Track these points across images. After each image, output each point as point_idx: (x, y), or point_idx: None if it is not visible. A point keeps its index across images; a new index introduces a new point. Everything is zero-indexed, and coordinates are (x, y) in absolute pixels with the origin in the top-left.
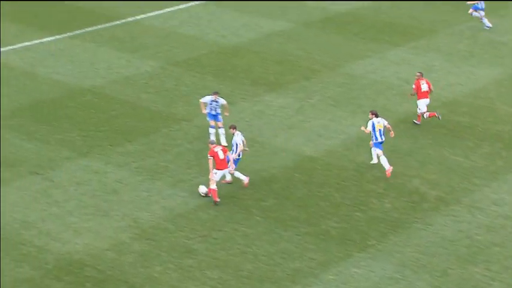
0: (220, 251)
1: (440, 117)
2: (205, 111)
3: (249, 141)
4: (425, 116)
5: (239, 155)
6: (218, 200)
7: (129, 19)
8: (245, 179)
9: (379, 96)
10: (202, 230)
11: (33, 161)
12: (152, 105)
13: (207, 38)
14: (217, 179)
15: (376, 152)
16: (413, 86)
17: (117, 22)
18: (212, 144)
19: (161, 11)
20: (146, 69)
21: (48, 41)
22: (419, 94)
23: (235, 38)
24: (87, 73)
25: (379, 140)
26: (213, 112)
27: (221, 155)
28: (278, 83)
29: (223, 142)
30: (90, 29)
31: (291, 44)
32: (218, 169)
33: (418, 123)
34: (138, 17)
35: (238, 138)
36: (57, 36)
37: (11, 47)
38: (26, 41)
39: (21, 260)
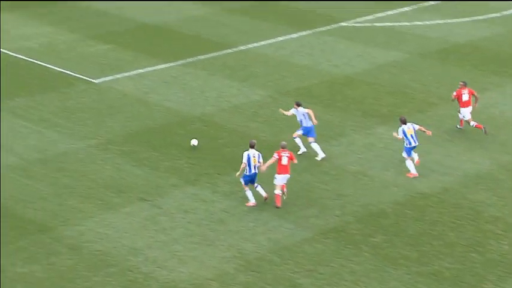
0: (326, 286)
1: (486, 131)
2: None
3: (359, 174)
4: (471, 124)
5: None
6: (280, 205)
7: (241, 47)
8: (264, 194)
9: (499, 132)
10: (308, 264)
11: (142, 187)
12: (261, 135)
13: (319, 67)
14: (277, 183)
15: (405, 155)
16: (454, 93)
17: (229, 50)
18: (283, 147)
19: (273, 40)
20: (256, 98)
21: (162, 69)
22: (461, 103)
23: (348, 68)
24: (198, 101)
25: (413, 144)
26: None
27: (284, 161)
28: (391, 115)
29: (321, 154)
30: (202, 57)
31: (405, 75)
32: (279, 173)
33: (461, 127)
34: (249, 46)
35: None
36: (171, 64)
37: (126, 74)
38: (140, 68)
39: (128, 286)
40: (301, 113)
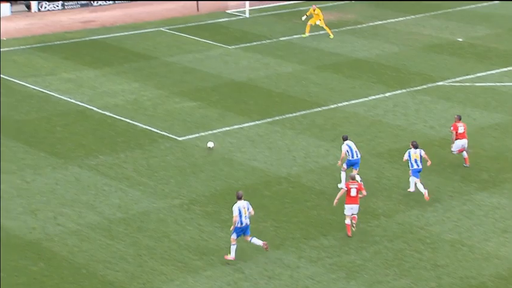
0: None
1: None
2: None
3: (456, 243)
4: (454, 151)
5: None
6: (350, 235)
7: (331, 106)
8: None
9: None
10: None
11: (225, 250)
12: None
13: (413, 128)
14: (347, 213)
15: (413, 180)
16: (451, 128)
17: (318, 109)
18: (352, 179)
19: (365, 99)
20: None
21: (248, 126)
22: (457, 135)
23: (445, 129)
24: (284, 161)
25: (415, 167)
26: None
27: (353, 192)
28: (492, 181)
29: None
30: (290, 115)
31: (508, 139)
32: (347, 203)
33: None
34: (340, 104)
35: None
36: (257, 122)
37: (211, 131)
38: (226, 126)
39: None
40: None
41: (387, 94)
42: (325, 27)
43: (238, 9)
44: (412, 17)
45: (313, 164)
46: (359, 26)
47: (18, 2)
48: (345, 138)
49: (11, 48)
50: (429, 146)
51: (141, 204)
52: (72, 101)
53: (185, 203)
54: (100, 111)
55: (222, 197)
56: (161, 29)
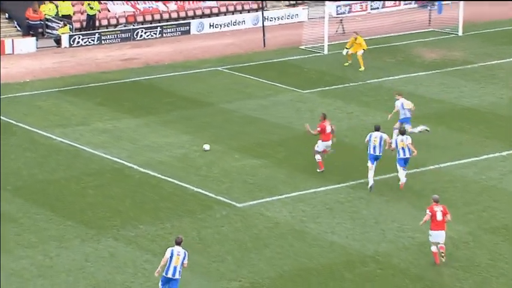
0: None
1: None
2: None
3: None
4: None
5: None
6: (438, 263)
7: (431, 167)
8: None
9: None
10: None
11: None
12: (456, 285)
13: None
14: (433, 240)
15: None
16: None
17: (415, 170)
18: (435, 201)
19: (475, 158)
20: (451, 234)
21: (325, 191)
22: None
23: None
24: (371, 235)
25: (402, 155)
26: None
27: (439, 216)
28: None
29: None
30: (378, 177)
31: None
32: (432, 230)
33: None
34: (443, 165)
35: None
36: (337, 185)
37: (278, 197)
38: (297, 190)
39: None
40: None
41: (504, 153)
42: (358, 57)
43: (314, 45)
44: None
45: (408, 240)
46: (468, 66)
47: (46, 36)
48: (376, 129)
49: (36, 92)
50: None
51: (190, 287)
52: (107, 157)
53: (245, 286)
54: (141, 169)
55: (292, 279)
56: (218, 68)
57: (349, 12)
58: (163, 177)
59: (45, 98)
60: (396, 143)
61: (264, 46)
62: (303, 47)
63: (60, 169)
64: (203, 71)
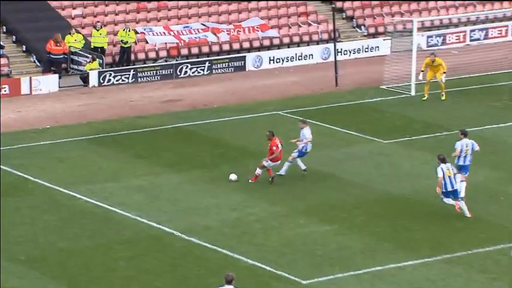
0: None
1: None
2: None
3: None
4: None
5: None
6: None
7: None
8: None
9: None
10: None
11: None
12: None
13: None
14: None
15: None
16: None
17: None
18: None
19: None
20: None
21: (412, 266)
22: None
23: None
24: None
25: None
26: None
27: None
28: None
29: None
30: (479, 250)
31: None
32: None
33: None
34: None
35: None
36: (427, 259)
37: (352, 272)
38: (376, 265)
39: None
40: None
41: None
42: (441, 83)
43: (398, 84)
44: None
45: None
46: None
47: (70, 72)
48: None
49: (57, 141)
50: None
51: None
52: (142, 221)
53: None
54: (184, 236)
55: None
56: (279, 112)
57: (442, 44)
58: (210, 246)
59: (69, 149)
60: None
61: (337, 85)
62: (384, 87)
63: (85, 236)
64: (261, 116)
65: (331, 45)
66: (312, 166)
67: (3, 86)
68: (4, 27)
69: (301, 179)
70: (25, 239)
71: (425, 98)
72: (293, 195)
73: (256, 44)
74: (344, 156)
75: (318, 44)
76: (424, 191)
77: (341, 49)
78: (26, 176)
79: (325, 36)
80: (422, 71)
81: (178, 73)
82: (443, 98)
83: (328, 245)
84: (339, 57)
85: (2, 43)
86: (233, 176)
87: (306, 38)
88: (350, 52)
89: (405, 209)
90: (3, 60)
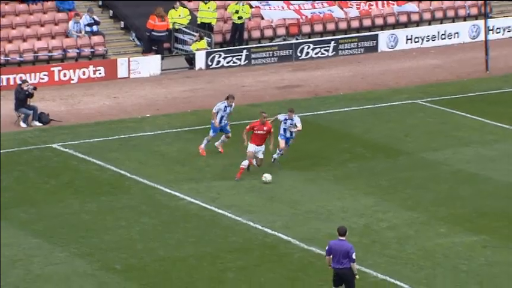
0: None
1: None
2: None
3: None
4: None
5: None
6: None
7: None
8: None
9: None
10: None
11: None
12: None
13: None
14: None
15: None
16: None
17: None
18: None
19: None
20: None
21: None
22: None
23: None
24: None
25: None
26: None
27: None
28: None
29: None
30: None
31: None
32: None
33: None
34: None
35: None
36: None
37: None
38: None
39: None
40: None
41: None
42: None
43: None
44: None
45: None
46: None
47: (174, 53)
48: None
49: (158, 132)
50: None
51: None
52: (256, 226)
53: None
54: (303, 245)
55: None
56: (418, 101)
57: None
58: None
59: (171, 141)
60: None
61: (488, 70)
62: None
63: (189, 242)
64: (396, 105)
65: (481, 22)
66: (456, 165)
67: (98, 68)
68: (100, 0)
69: (442, 179)
70: (120, 245)
71: None
72: (433, 199)
73: (391, 20)
74: (496, 153)
75: (465, 20)
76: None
77: (493, 26)
78: (121, 172)
79: (474, 11)
80: None
81: (299, 54)
82: None
83: (474, 259)
84: (491, 36)
85: (97, 18)
86: (268, 176)
87: (450, 13)
88: (504, 30)
89: None
90: (98, 39)
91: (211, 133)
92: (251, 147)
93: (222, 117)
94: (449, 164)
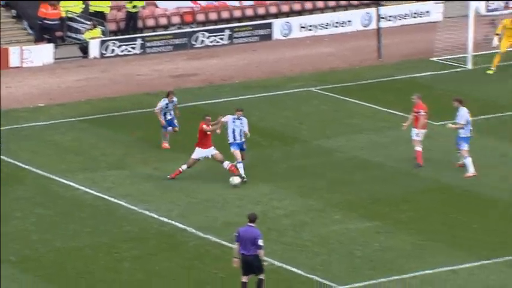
0: None
1: None
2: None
3: None
4: None
5: None
6: None
7: None
8: None
9: None
10: None
11: None
12: None
13: None
14: None
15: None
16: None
17: None
18: None
19: None
20: None
21: (468, 269)
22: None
23: None
24: None
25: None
26: None
27: None
28: None
29: None
30: None
31: None
32: None
33: None
34: None
35: None
36: (484, 262)
37: (398, 277)
38: (426, 268)
39: None
40: None
41: None
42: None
43: (452, 56)
44: None
45: None
46: None
47: (67, 41)
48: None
49: (52, 122)
50: None
51: None
52: (151, 215)
53: None
54: (199, 233)
55: None
56: (312, 89)
57: (504, 8)
58: (230, 245)
59: (65, 131)
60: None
61: (380, 57)
62: (435, 59)
63: (84, 232)
64: (291, 93)
65: (373, 10)
66: (349, 151)
67: None
68: None
69: (336, 166)
70: (15, 237)
71: (491, 72)
72: (328, 186)
73: (284, 8)
74: (388, 140)
75: (357, 8)
76: (483, 182)
77: (385, 14)
78: (15, 162)
79: None
80: (498, 34)
81: (194, 43)
82: (490, 71)
83: (368, 244)
84: (383, 24)
85: None
86: (236, 179)
87: (343, 2)
88: (396, 18)
89: (460, 202)
90: None
91: (162, 130)
92: (198, 154)
93: (165, 113)
94: (343, 151)
